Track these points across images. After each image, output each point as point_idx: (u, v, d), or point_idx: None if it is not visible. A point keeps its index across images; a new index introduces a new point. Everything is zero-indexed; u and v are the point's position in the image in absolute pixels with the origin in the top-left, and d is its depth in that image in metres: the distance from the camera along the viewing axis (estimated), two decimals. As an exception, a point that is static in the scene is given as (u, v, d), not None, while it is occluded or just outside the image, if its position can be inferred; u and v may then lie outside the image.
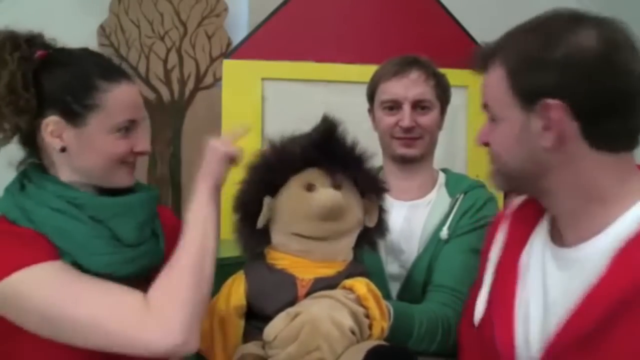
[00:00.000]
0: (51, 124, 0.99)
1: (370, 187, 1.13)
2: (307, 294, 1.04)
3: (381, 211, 1.15)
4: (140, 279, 1.00)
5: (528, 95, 0.86)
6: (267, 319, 1.01)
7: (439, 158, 1.49)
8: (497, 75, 0.89)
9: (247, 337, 1.07)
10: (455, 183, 1.39)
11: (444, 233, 1.31)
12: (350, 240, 1.12)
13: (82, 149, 1.01)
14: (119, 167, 1.04)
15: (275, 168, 1.10)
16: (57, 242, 0.98)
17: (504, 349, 0.94)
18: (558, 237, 0.94)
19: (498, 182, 0.98)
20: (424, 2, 2.04)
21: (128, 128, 1.03)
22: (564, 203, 0.90)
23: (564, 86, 0.83)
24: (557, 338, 0.86)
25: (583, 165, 0.86)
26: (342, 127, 1.11)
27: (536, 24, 0.89)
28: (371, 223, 1.13)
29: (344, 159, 1.09)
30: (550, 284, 0.91)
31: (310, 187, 1.07)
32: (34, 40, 1.02)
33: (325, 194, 1.05)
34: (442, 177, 1.43)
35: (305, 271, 1.06)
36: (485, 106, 0.95)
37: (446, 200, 1.36)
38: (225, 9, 2.34)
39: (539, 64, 0.85)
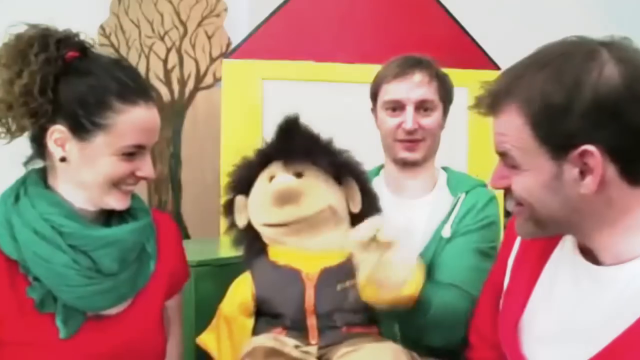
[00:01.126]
0: (57, 132, 0.96)
1: (342, 171, 1.15)
2: (316, 288, 1.07)
3: (366, 194, 1.17)
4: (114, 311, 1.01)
5: (559, 144, 0.80)
6: (277, 315, 1.06)
7: (439, 158, 1.49)
8: (514, 123, 0.82)
9: (257, 333, 1.09)
10: (457, 182, 1.39)
11: (446, 231, 1.31)
12: (340, 227, 1.12)
13: (82, 164, 0.97)
14: (114, 189, 0.99)
15: (245, 166, 1.17)
16: (34, 268, 0.95)
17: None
18: (588, 253, 0.89)
19: (529, 230, 0.89)
20: (424, 2, 2.04)
21: (134, 153, 0.98)
22: (600, 236, 0.85)
23: (597, 131, 0.78)
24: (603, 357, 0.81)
25: (623, 203, 0.82)
26: (301, 121, 1.14)
27: (547, 63, 0.81)
28: (355, 208, 1.15)
29: (303, 149, 1.11)
30: (586, 305, 0.86)
31: (272, 179, 1.12)
32: (66, 41, 0.97)
33: (278, 179, 1.10)
34: (443, 175, 1.43)
35: (310, 264, 1.09)
36: (502, 154, 0.86)
37: (448, 198, 1.36)
38: (225, 9, 2.35)
39: (566, 112, 0.78)
